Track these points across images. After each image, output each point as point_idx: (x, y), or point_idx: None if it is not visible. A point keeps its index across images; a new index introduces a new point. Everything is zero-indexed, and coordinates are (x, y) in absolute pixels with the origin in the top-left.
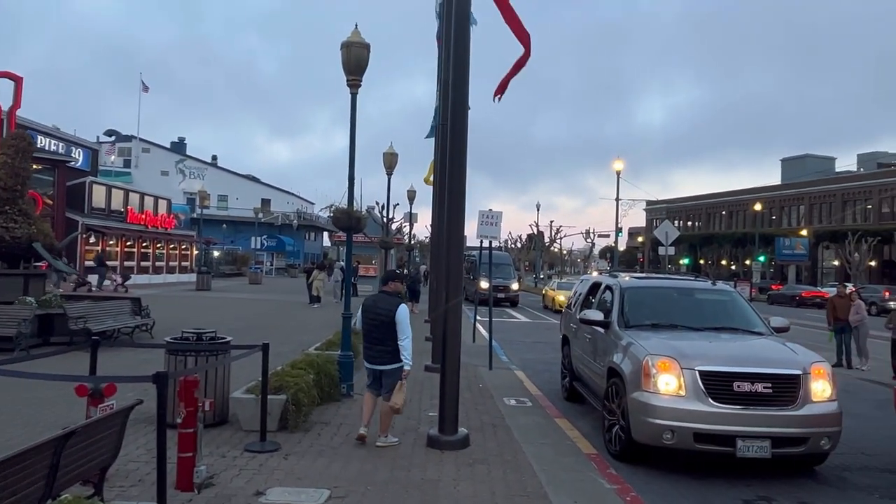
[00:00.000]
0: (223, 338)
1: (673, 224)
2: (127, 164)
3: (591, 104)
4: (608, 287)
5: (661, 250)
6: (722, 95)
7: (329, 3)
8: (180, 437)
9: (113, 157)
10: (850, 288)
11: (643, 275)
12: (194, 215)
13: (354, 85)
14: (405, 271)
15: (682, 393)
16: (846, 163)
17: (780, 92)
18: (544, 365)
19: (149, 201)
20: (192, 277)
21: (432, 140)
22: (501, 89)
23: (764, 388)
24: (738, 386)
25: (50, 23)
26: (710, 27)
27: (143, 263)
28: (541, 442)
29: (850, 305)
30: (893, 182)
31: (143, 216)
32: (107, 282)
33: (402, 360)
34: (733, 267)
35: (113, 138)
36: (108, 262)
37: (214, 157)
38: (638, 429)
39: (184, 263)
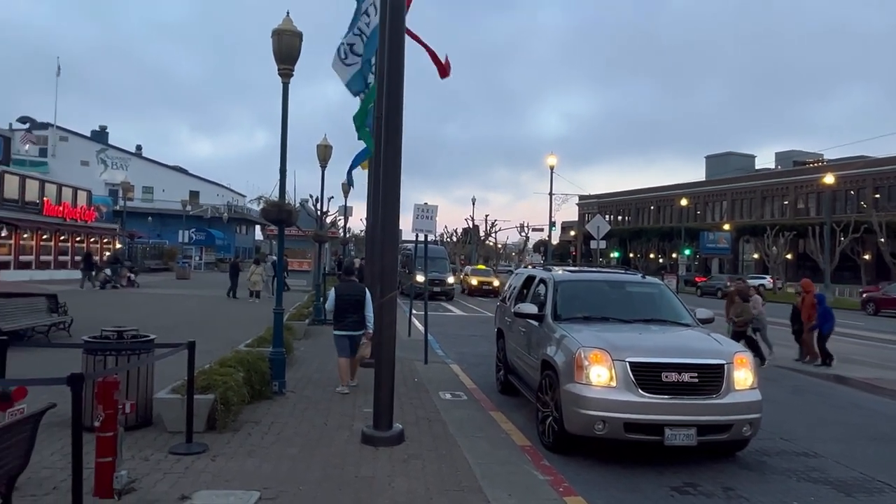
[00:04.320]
0: (146, 336)
1: (604, 218)
2: (43, 153)
3: (516, 109)
4: (542, 280)
5: (593, 244)
6: (642, 101)
7: (241, 12)
8: (98, 441)
9: (28, 146)
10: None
11: (576, 268)
12: (117, 207)
13: (286, 74)
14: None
15: (613, 384)
16: (766, 160)
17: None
18: (479, 358)
19: (67, 192)
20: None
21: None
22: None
23: (690, 377)
24: (666, 376)
25: None
26: (612, 40)
27: (61, 258)
28: (476, 435)
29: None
30: (808, 179)
31: (61, 208)
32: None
33: (366, 328)
34: (661, 260)
35: (27, 125)
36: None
37: (139, 147)
38: (570, 420)
39: (105, 258)
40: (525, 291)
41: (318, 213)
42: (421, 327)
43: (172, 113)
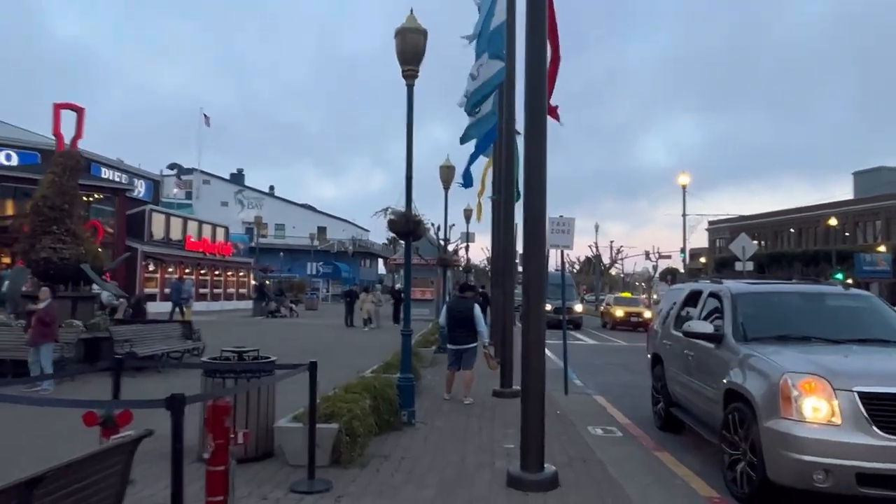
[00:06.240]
0: (267, 357)
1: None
2: (188, 195)
3: (620, 141)
4: (713, 294)
5: (738, 265)
6: (752, 124)
7: (353, 71)
8: (208, 476)
9: (176, 190)
10: None
11: (753, 280)
12: (252, 244)
13: (410, 75)
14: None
15: (837, 421)
16: None
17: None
18: (623, 388)
19: (206, 229)
20: (250, 304)
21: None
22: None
23: None
24: None
25: (125, 84)
26: (717, 62)
27: (201, 290)
28: (644, 481)
29: None
30: None
31: (202, 244)
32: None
33: (475, 342)
34: None
35: (175, 171)
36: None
37: (272, 188)
38: (776, 467)
39: (241, 290)
40: (687, 309)
41: (442, 239)
42: (553, 357)
43: (300, 157)
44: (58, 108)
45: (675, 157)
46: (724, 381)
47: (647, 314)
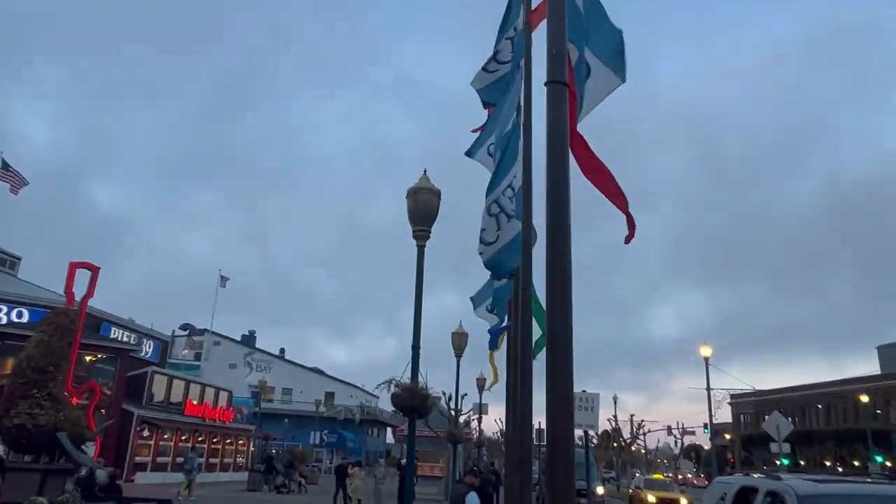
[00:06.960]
0: None
1: (765, 419)
2: (198, 356)
3: (628, 313)
4: (772, 493)
5: (774, 447)
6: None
7: (374, 245)
8: None
9: (185, 351)
10: None
11: (815, 476)
12: (256, 409)
13: (421, 236)
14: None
15: None
16: None
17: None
18: None
19: (209, 393)
20: (248, 475)
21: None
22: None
23: None
24: None
25: (150, 247)
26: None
27: (198, 460)
28: None
29: None
30: None
31: (202, 408)
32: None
33: None
34: (840, 468)
35: (187, 332)
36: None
37: (282, 350)
38: None
39: (240, 460)
40: None
41: (453, 410)
42: None
43: (313, 320)
44: (73, 266)
45: (687, 329)
46: None
47: (684, 502)
